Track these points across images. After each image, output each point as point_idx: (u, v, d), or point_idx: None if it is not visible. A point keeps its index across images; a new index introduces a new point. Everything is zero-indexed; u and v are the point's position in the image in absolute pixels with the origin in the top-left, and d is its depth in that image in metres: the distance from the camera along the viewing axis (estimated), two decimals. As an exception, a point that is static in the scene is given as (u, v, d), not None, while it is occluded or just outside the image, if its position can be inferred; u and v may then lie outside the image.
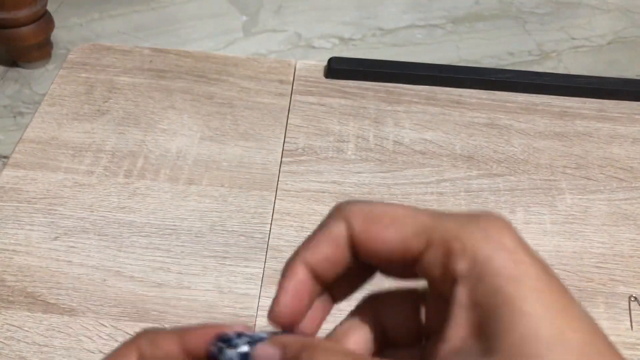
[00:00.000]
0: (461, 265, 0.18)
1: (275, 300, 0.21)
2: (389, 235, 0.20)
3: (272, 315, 0.21)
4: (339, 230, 0.20)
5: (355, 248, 0.20)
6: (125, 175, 0.55)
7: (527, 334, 0.16)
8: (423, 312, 0.22)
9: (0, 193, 0.53)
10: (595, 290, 0.49)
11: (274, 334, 0.21)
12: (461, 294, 0.18)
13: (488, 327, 0.17)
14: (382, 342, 0.22)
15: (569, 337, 0.17)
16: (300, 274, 0.21)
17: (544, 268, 0.18)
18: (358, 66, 0.66)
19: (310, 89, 0.64)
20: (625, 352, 0.46)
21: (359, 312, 0.23)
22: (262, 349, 0.20)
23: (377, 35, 0.76)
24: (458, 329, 0.18)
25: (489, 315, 0.17)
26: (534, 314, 0.17)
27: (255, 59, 0.68)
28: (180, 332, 0.21)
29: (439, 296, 0.19)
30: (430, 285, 0.20)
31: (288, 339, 0.20)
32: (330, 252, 0.21)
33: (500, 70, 0.68)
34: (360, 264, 0.21)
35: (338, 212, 0.21)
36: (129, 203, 0.53)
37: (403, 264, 0.20)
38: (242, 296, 0.47)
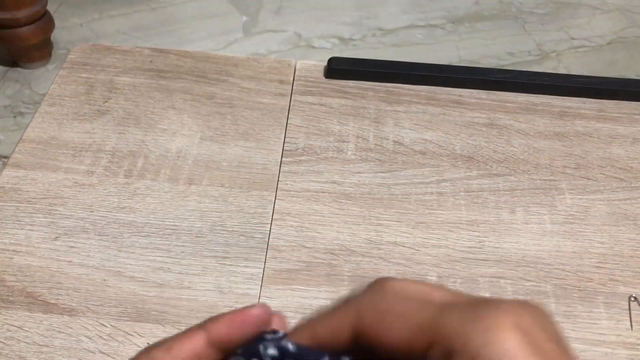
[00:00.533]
0: None
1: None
2: (394, 334, 0.20)
3: None
4: (345, 323, 0.21)
5: (360, 337, 0.21)
6: (126, 175, 0.55)
7: None
8: None
9: (0, 193, 0.53)
10: (595, 290, 0.49)
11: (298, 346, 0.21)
12: None
13: None
14: None
15: None
16: (304, 336, 0.22)
17: None
18: (358, 66, 0.66)
19: (310, 89, 0.64)
20: (625, 352, 0.46)
21: None
22: None
23: (377, 35, 0.76)
24: None
25: None
26: None
27: (255, 59, 0.68)
28: (205, 326, 0.22)
29: None
30: None
31: None
32: (330, 335, 0.21)
33: (500, 70, 0.68)
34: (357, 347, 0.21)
35: (351, 303, 0.21)
36: (129, 203, 0.53)
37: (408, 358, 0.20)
38: (242, 296, 0.47)
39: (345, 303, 0.21)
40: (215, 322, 0.22)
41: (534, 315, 0.18)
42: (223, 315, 0.22)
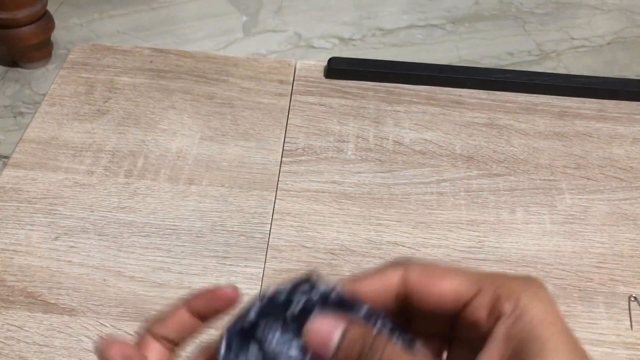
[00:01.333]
0: (507, 307, 0.22)
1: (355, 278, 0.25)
2: (444, 285, 0.23)
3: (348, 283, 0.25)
4: (395, 274, 0.24)
5: (407, 295, 0.24)
6: (126, 175, 0.55)
7: None
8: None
9: (1, 193, 0.53)
10: (595, 290, 0.49)
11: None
12: (500, 328, 0.21)
13: (519, 357, 0.21)
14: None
15: None
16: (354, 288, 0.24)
17: (567, 328, 0.22)
18: (358, 66, 0.66)
19: (310, 89, 0.64)
20: (625, 352, 0.46)
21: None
22: (320, 321, 0.23)
23: (377, 35, 0.76)
24: (492, 355, 0.21)
25: (522, 347, 0.21)
26: (559, 350, 0.20)
27: (255, 59, 0.68)
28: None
29: (468, 341, 0.23)
30: (465, 330, 0.23)
31: (351, 319, 0.23)
32: (378, 289, 0.24)
33: (500, 70, 0.68)
34: (397, 313, 0.24)
35: (398, 262, 0.24)
36: (129, 203, 0.53)
37: (450, 311, 0.23)
38: (242, 296, 0.47)
39: (391, 264, 0.24)
40: (193, 297, 0.26)
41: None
42: (200, 290, 0.26)
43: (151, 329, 0.26)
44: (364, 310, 0.23)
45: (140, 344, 0.26)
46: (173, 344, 0.26)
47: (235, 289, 0.26)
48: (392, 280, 0.24)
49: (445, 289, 0.23)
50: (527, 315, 0.21)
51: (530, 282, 0.22)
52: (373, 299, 0.24)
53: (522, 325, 0.21)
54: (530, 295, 0.22)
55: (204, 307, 0.26)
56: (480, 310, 0.22)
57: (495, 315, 0.22)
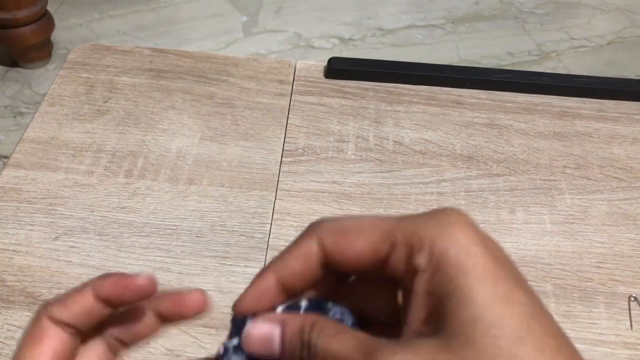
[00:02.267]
0: (420, 260, 0.20)
1: (242, 295, 0.24)
2: (358, 245, 0.22)
3: (235, 304, 0.24)
4: (310, 247, 0.23)
5: (328, 261, 0.23)
6: (126, 175, 0.55)
7: (470, 318, 0.19)
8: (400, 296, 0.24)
9: (1, 193, 0.53)
10: (595, 290, 0.49)
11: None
12: (419, 284, 0.20)
13: (439, 312, 0.19)
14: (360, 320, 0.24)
15: (506, 322, 0.18)
16: (269, 281, 0.23)
17: (494, 258, 0.20)
18: (358, 66, 0.66)
19: (310, 89, 0.64)
20: (625, 352, 0.46)
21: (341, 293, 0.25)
22: (256, 327, 0.23)
23: (377, 36, 0.76)
24: (416, 314, 0.20)
25: (441, 302, 0.20)
26: (478, 301, 0.19)
27: (255, 59, 0.68)
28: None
29: (407, 289, 0.22)
30: (400, 280, 0.22)
31: (285, 315, 0.23)
32: (300, 268, 0.23)
33: (500, 70, 0.68)
34: (330, 275, 0.23)
35: (310, 230, 0.23)
36: (129, 203, 0.53)
37: (374, 268, 0.22)
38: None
39: (305, 233, 0.23)
40: (101, 280, 0.24)
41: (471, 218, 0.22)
42: (111, 275, 0.24)
43: (50, 312, 0.24)
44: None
45: (35, 327, 0.24)
46: (74, 330, 0.24)
47: (150, 279, 0.24)
48: (310, 256, 0.23)
49: (360, 249, 0.22)
50: (443, 265, 0.20)
51: (442, 221, 0.21)
52: (299, 282, 0.23)
53: (439, 278, 0.20)
54: (445, 239, 0.20)
55: (114, 294, 0.24)
56: (399, 266, 0.21)
57: (412, 270, 0.21)
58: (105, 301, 0.24)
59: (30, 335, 0.24)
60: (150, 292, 0.24)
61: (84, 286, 0.24)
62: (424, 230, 0.21)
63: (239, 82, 0.65)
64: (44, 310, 0.24)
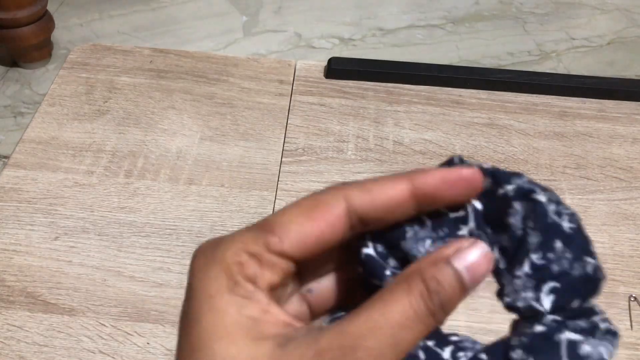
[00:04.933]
0: None
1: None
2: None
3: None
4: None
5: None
6: (126, 175, 0.55)
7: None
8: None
9: (1, 193, 0.53)
10: (595, 290, 0.49)
11: None
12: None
13: None
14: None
15: None
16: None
17: None
18: (358, 66, 0.66)
19: (310, 89, 0.64)
20: (625, 352, 0.46)
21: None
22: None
23: (377, 35, 0.76)
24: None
25: None
26: None
27: (255, 59, 0.68)
28: (409, 177, 0.20)
29: None
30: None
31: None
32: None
33: (500, 70, 0.68)
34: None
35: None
36: (129, 203, 0.53)
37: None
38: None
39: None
40: (423, 174, 0.20)
41: None
42: (432, 169, 0.20)
43: (349, 198, 0.20)
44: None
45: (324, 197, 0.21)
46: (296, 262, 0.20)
47: (476, 172, 0.21)
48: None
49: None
50: None
51: None
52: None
53: None
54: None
55: (440, 189, 0.20)
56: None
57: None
58: (422, 198, 0.20)
59: (314, 199, 0.21)
60: (477, 187, 0.21)
61: (397, 177, 0.20)
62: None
63: (239, 82, 0.65)
64: (342, 189, 0.20)
